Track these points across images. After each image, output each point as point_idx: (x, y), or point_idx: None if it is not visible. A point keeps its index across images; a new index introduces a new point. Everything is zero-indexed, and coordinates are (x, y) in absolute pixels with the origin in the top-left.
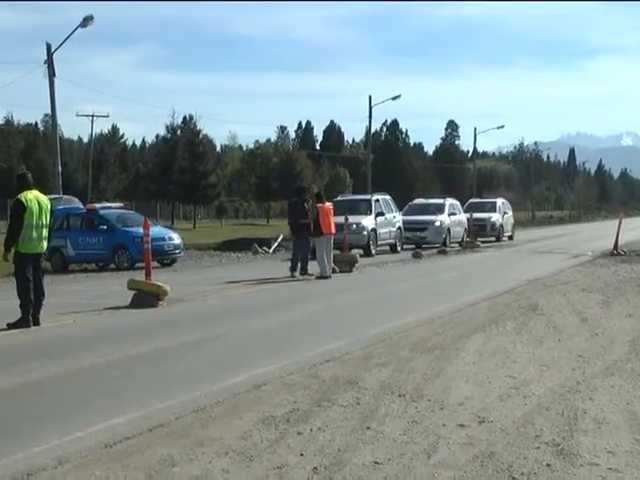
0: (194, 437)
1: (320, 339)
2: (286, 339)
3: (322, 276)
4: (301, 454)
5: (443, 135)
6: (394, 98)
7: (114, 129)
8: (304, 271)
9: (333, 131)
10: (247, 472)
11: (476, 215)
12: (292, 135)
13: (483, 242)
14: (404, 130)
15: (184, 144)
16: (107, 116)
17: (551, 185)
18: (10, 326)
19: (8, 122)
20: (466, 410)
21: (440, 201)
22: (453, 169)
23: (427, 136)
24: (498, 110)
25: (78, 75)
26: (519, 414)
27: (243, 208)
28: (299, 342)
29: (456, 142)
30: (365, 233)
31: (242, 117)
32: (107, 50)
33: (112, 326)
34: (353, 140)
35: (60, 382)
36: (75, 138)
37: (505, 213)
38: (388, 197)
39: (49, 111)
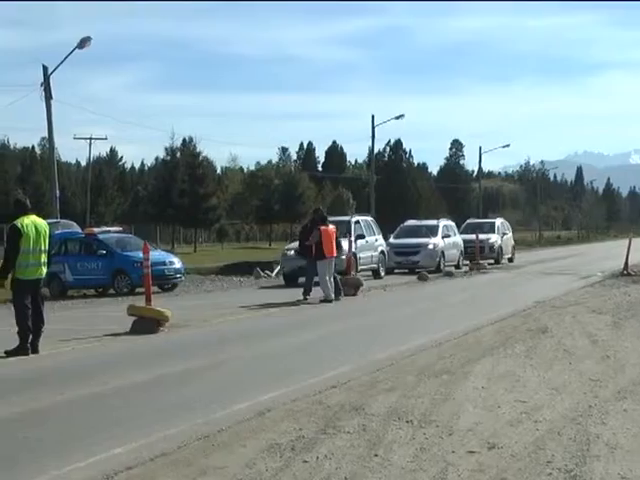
0: (197, 466)
1: (325, 364)
2: (290, 365)
3: (326, 300)
4: None
5: (447, 155)
6: (397, 117)
7: (112, 152)
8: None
9: (335, 152)
10: None
11: (472, 236)
12: (294, 156)
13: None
14: (408, 150)
15: (184, 166)
16: (105, 138)
17: (558, 205)
18: (8, 354)
19: (4, 146)
20: (475, 436)
21: (433, 222)
22: (458, 189)
23: (431, 156)
24: (503, 129)
25: (76, 97)
26: (530, 439)
27: (244, 231)
28: (304, 368)
29: (461, 162)
30: (343, 257)
31: (243, 138)
32: (105, 71)
33: (112, 353)
34: (356, 161)
35: (59, 411)
36: (73, 161)
37: (504, 234)
38: (370, 218)
39: (46, 134)
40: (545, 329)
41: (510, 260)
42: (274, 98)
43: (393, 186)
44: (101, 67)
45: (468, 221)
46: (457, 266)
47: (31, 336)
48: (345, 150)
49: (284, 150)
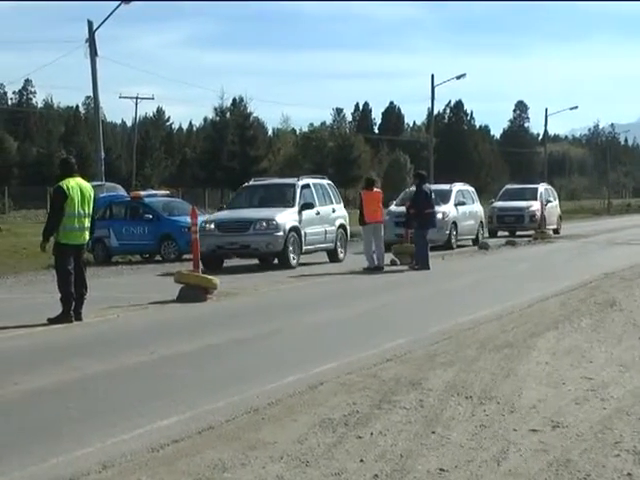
0: (246, 440)
1: (380, 336)
2: (343, 336)
3: (368, 268)
4: (361, 460)
5: (511, 117)
6: (458, 77)
7: (159, 112)
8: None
9: (392, 113)
10: (303, 478)
11: (512, 204)
12: (349, 118)
13: (519, 236)
14: (469, 112)
15: (234, 127)
16: (152, 98)
17: (630, 171)
18: (51, 321)
19: (47, 105)
20: (538, 414)
21: (445, 187)
22: (522, 153)
23: (494, 118)
24: (571, 90)
25: (121, 54)
26: (596, 419)
27: None
28: (357, 339)
29: (525, 124)
30: (280, 234)
31: (295, 99)
32: (152, 28)
33: (158, 322)
34: (414, 123)
35: (103, 381)
36: (118, 122)
37: (548, 201)
38: (327, 182)
39: (91, 93)
40: (613, 302)
41: (555, 232)
42: (329, 56)
43: (453, 149)
44: (148, 23)
45: (507, 187)
46: (475, 240)
47: (74, 303)
48: (403, 111)
49: (339, 111)
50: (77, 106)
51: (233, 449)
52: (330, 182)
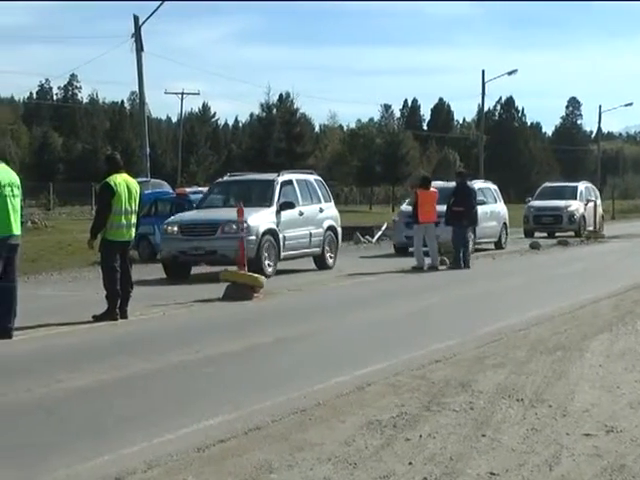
0: (293, 441)
1: (428, 337)
2: (391, 336)
3: (416, 267)
4: (410, 462)
5: (563, 114)
6: (510, 73)
7: (205, 108)
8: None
9: (442, 110)
10: None
11: (549, 203)
12: (397, 114)
13: (558, 237)
14: (520, 108)
15: (280, 124)
16: (197, 94)
17: None
18: (96, 319)
19: (93, 101)
20: (592, 418)
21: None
22: (575, 151)
23: (546, 115)
24: (626, 86)
25: (167, 50)
26: None
27: (344, 193)
28: (405, 340)
29: (578, 122)
30: (252, 238)
31: (343, 95)
32: (198, 23)
33: (203, 320)
34: (464, 119)
35: (148, 380)
36: (163, 117)
37: (589, 201)
38: (314, 178)
39: (136, 88)
40: None
41: (596, 233)
42: (377, 52)
43: (504, 147)
44: (194, 18)
45: (544, 185)
46: (498, 244)
47: (119, 301)
48: (452, 108)
49: (387, 107)
50: (122, 101)
51: (280, 450)
52: (319, 178)
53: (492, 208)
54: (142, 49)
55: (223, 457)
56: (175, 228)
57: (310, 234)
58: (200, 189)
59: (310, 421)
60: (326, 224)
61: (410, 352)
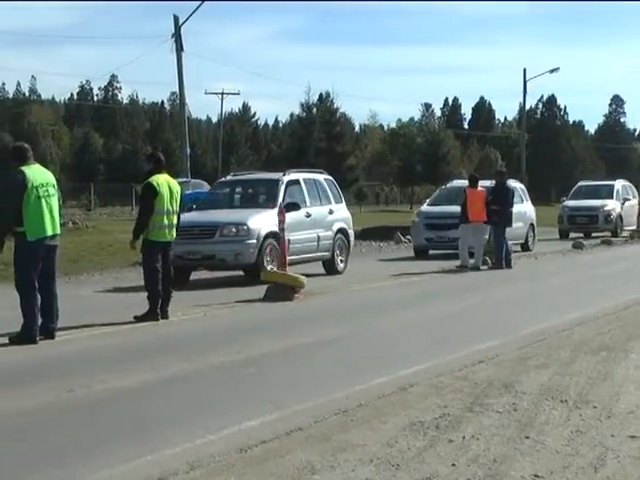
0: (335, 442)
1: (471, 337)
2: (433, 337)
3: (461, 266)
4: (453, 464)
5: (607, 112)
6: (552, 71)
7: (245, 107)
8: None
9: (483, 108)
10: None
11: (585, 203)
12: (438, 113)
13: (594, 238)
14: (562, 107)
15: (320, 124)
16: (238, 93)
17: None
18: (137, 319)
19: (133, 101)
20: (637, 419)
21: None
22: (618, 149)
23: (588, 113)
24: None
25: (206, 50)
26: None
27: (384, 193)
28: (447, 341)
29: (622, 119)
30: (252, 242)
31: (383, 94)
32: (238, 22)
33: (245, 320)
34: (505, 118)
35: (190, 380)
36: (203, 118)
37: (626, 200)
38: (324, 177)
39: (176, 89)
40: None
41: (633, 234)
42: (417, 51)
43: (546, 145)
44: (233, 18)
45: (579, 184)
46: (524, 245)
47: (161, 301)
48: (493, 106)
49: (427, 106)
50: (162, 102)
51: (322, 451)
52: (329, 177)
53: (518, 209)
54: (182, 49)
55: (265, 458)
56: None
57: (318, 237)
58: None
59: (352, 422)
60: (336, 226)
61: (452, 353)
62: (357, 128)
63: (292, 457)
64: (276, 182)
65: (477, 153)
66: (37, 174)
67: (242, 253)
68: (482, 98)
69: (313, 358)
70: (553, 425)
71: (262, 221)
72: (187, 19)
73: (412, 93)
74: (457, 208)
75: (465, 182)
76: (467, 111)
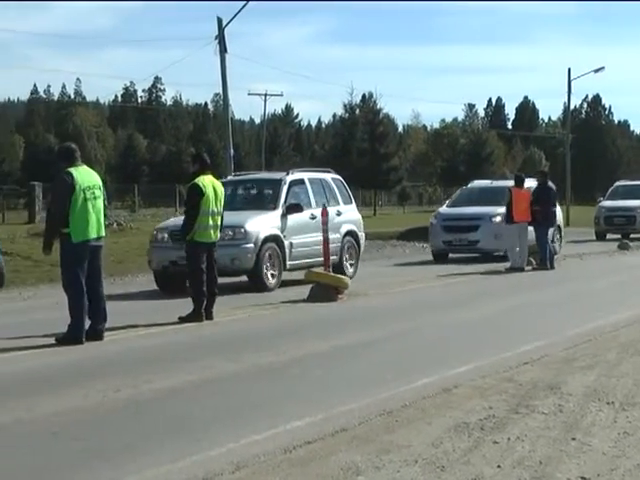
0: (380, 443)
1: (515, 338)
2: (478, 338)
3: (512, 268)
4: (498, 466)
5: None
6: (597, 71)
7: (288, 108)
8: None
9: (526, 108)
10: None
11: (622, 203)
12: (481, 113)
13: (632, 240)
14: (607, 106)
15: (363, 124)
16: (281, 95)
17: None
18: (182, 320)
19: (177, 103)
20: None
21: (502, 184)
22: None
23: (634, 113)
24: None
25: (250, 51)
26: None
27: (427, 194)
28: (492, 342)
29: None
30: (249, 246)
31: (426, 94)
32: (281, 23)
33: (289, 321)
34: (549, 118)
35: (235, 381)
36: (247, 119)
37: None
38: (331, 177)
39: (219, 90)
40: None
41: None
42: (461, 51)
43: (590, 145)
44: (276, 19)
45: (617, 183)
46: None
47: (205, 302)
48: (537, 106)
49: (471, 107)
50: (205, 103)
51: (367, 452)
52: (337, 177)
53: None
54: (226, 51)
55: (310, 459)
56: (165, 235)
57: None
58: None
59: (397, 423)
60: (344, 229)
61: (497, 354)
62: (400, 129)
63: (337, 458)
64: (278, 182)
65: (521, 153)
66: (84, 176)
67: (239, 258)
68: (526, 98)
69: (357, 359)
70: (599, 427)
71: (261, 224)
72: (230, 21)
73: (455, 93)
74: (478, 209)
75: (486, 182)
76: (511, 111)
